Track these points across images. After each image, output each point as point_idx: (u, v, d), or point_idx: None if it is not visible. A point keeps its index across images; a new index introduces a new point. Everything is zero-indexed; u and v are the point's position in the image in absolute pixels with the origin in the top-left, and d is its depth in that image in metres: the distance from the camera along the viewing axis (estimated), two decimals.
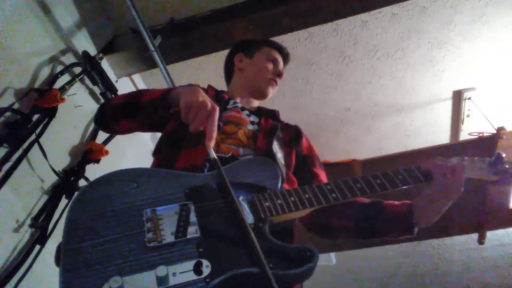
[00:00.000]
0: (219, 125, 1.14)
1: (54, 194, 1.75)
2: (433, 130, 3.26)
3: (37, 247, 1.59)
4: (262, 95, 1.38)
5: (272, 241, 0.79)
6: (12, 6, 1.76)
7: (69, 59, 2.10)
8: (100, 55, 2.35)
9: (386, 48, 2.63)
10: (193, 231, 0.78)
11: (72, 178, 1.86)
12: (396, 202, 1.08)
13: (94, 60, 2.21)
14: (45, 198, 1.71)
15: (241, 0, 2.40)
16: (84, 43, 2.27)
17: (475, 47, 2.60)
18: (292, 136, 1.26)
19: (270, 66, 1.39)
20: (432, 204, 0.98)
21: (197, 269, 0.70)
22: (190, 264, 0.71)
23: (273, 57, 1.40)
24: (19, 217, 1.57)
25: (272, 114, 1.33)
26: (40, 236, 1.61)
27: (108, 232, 0.76)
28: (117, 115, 1.17)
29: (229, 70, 1.51)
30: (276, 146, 1.14)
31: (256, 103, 1.42)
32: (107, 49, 2.44)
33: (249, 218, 0.82)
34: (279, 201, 0.87)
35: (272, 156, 1.06)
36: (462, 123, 3.14)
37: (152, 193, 0.85)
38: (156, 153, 1.17)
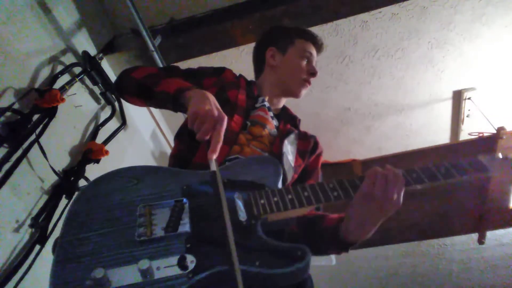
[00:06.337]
0: (246, 125, 1.13)
1: (54, 194, 1.75)
2: (433, 130, 3.26)
3: (37, 247, 1.59)
4: (294, 96, 1.30)
5: (263, 239, 0.76)
6: (12, 6, 1.75)
7: (69, 59, 2.10)
8: (100, 55, 2.35)
9: (386, 48, 2.63)
10: (184, 226, 0.77)
11: (72, 178, 1.86)
12: (335, 216, 0.97)
13: (94, 60, 2.21)
14: (45, 198, 1.71)
15: (241, 0, 2.40)
16: (84, 43, 2.27)
17: (475, 47, 2.60)
18: (309, 149, 1.22)
19: (304, 64, 1.28)
20: (357, 217, 0.85)
21: (182, 264, 0.70)
22: (175, 259, 0.71)
23: (307, 52, 1.29)
24: (19, 217, 1.57)
25: (293, 121, 1.29)
26: (40, 236, 1.61)
27: (101, 226, 0.77)
28: (132, 91, 1.14)
29: (259, 63, 1.40)
30: (287, 147, 1.12)
31: (282, 103, 1.35)
32: (107, 49, 2.44)
33: (241, 215, 0.80)
34: (275, 199, 0.83)
35: (279, 156, 1.04)
36: (462, 123, 3.14)
37: (150, 189, 0.86)
38: (178, 137, 1.16)
